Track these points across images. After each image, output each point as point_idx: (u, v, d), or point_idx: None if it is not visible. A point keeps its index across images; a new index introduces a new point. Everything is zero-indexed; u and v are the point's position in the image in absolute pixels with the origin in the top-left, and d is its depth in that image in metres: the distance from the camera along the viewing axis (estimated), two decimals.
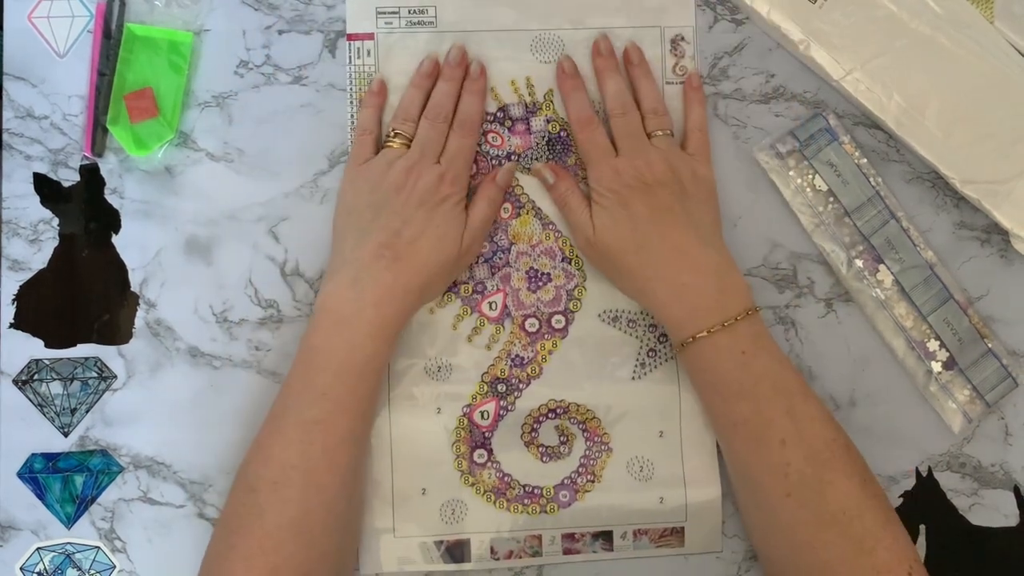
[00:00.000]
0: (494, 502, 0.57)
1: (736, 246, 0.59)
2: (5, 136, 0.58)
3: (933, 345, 0.58)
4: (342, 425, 0.50)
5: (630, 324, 0.59)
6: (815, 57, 0.58)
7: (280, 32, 0.59)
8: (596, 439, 0.58)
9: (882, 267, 0.59)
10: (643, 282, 0.54)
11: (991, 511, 0.59)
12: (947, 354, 0.58)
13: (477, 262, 0.58)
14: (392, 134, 0.56)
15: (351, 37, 0.59)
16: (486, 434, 0.58)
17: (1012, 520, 0.60)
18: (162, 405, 0.58)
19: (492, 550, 0.57)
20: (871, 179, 0.59)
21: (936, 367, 0.58)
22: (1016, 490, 0.60)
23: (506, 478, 0.58)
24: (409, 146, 0.56)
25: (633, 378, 0.59)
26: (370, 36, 0.59)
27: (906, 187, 0.60)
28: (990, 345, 0.59)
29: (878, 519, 0.50)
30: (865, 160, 0.59)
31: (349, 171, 0.57)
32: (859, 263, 0.59)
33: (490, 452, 0.58)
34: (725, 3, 0.61)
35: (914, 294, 0.59)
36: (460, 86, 0.58)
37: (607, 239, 0.54)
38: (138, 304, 0.58)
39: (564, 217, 0.58)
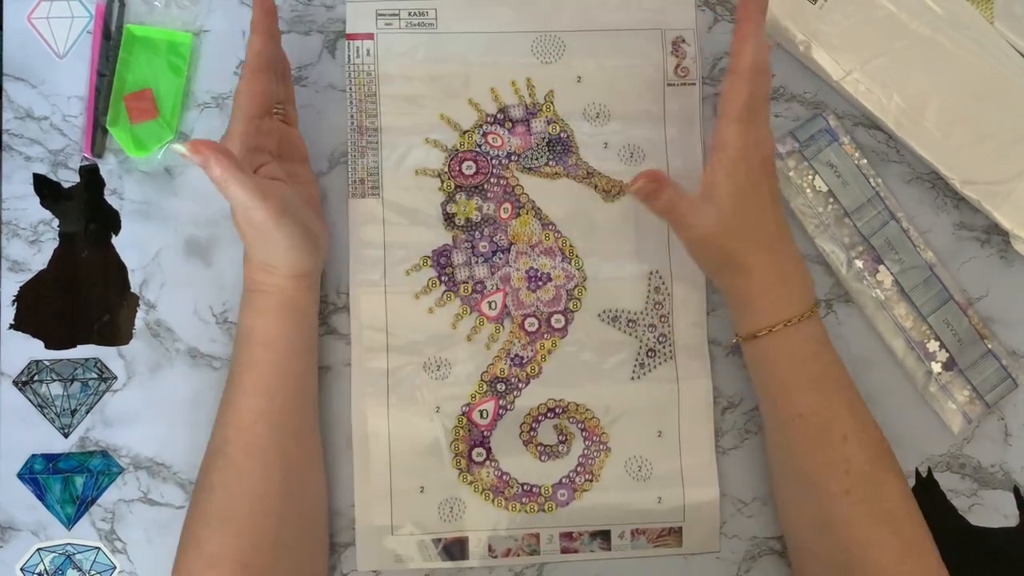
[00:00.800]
0: (492, 500, 0.57)
1: None
2: (5, 137, 0.58)
3: (933, 346, 0.58)
4: (246, 404, 0.50)
5: (629, 324, 0.59)
6: (815, 58, 0.58)
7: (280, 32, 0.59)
8: (595, 438, 0.58)
9: (882, 268, 0.59)
10: (747, 267, 0.51)
11: (991, 512, 0.59)
12: (947, 355, 0.58)
13: (477, 261, 0.58)
14: None
15: (350, 37, 0.59)
16: (485, 433, 0.58)
17: (1012, 521, 0.60)
18: (162, 406, 0.58)
19: (490, 548, 0.57)
20: (871, 180, 0.59)
21: (936, 368, 0.58)
22: (1016, 491, 0.60)
23: (504, 477, 0.58)
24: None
25: (632, 378, 0.59)
26: (370, 36, 0.59)
27: (906, 188, 0.60)
28: (990, 346, 0.59)
29: (922, 522, 0.50)
30: (865, 161, 0.59)
31: None
32: (859, 264, 0.59)
33: (489, 451, 0.58)
34: (725, 3, 0.61)
35: (914, 295, 0.59)
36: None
37: (729, 220, 0.50)
38: (138, 305, 0.58)
39: (671, 218, 0.52)
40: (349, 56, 0.59)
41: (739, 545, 0.59)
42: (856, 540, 0.49)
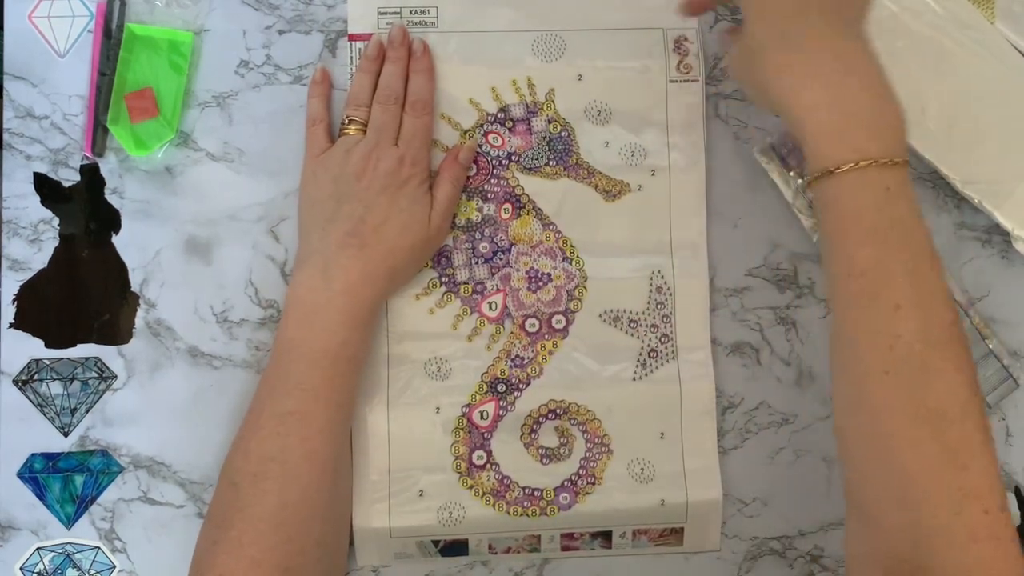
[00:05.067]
0: (493, 504, 0.57)
1: (736, 246, 0.59)
2: (5, 136, 0.58)
3: None
4: (318, 415, 0.50)
5: (631, 324, 0.59)
6: None
7: (280, 32, 0.59)
8: (596, 440, 0.58)
9: None
10: (795, 103, 0.45)
11: None
12: None
13: (477, 262, 0.58)
14: (347, 121, 0.56)
15: (352, 37, 0.59)
16: (485, 435, 0.58)
17: (1013, 521, 0.59)
18: (162, 405, 0.58)
19: (490, 547, 0.57)
20: None
21: None
22: (1017, 491, 0.59)
23: (505, 480, 0.57)
24: (365, 132, 0.56)
25: (634, 379, 0.58)
26: (370, 36, 0.59)
27: None
28: (991, 346, 0.59)
29: (979, 433, 0.42)
30: None
31: (308, 163, 0.56)
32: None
33: (489, 454, 0.57)
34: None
35: None
36: (406, 66, 0.58)
37: (771, 44, 0.47)
38: (138, 304, 0.58)
39: None
40: (351, 57, 0.59)
41: (739, 545, 0.58)
42: (887, 435, 0.43)
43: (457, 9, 0.59)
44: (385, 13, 0.59)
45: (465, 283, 0.58)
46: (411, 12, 0.59)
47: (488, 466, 0.57)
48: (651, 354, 0.59)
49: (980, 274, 0.60)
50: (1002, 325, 0.60)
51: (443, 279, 0.58)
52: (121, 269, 0.58)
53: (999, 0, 0.58)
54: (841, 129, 0.45)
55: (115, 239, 0.58)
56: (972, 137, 0.58)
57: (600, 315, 0.59)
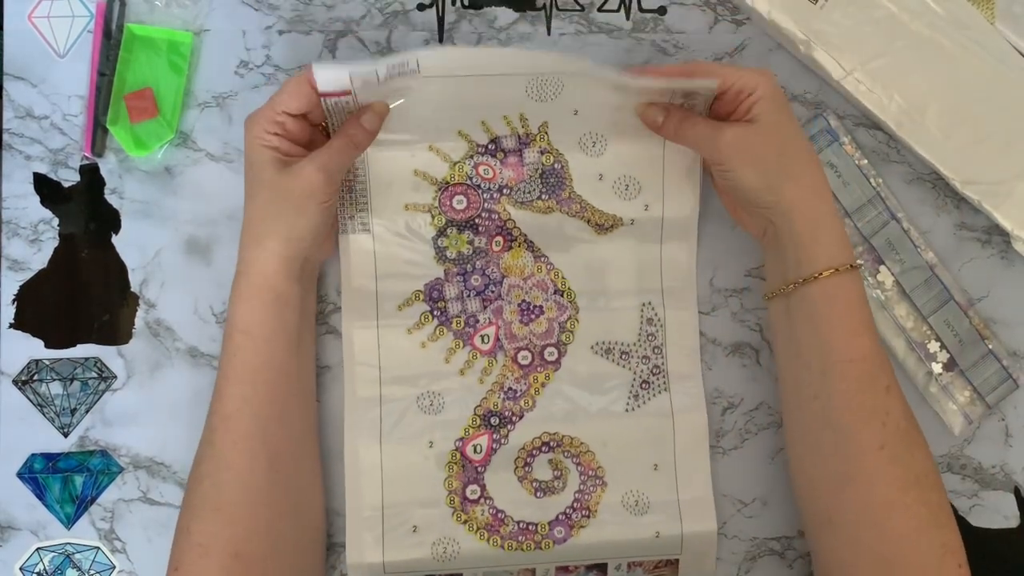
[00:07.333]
0: (487, 540, 0.56)
1: (736, 246, 0.59)
2: (5, 136, 0.58)
3: (934, 346, 0.58)
4: (231, 392, 0.50)
5: (623, 356, 0.58)
6: (816, 58, 0.58)
7: (280, 32, 0.59)
8: (590, 473, 0.57)
9: (883, 268, 0.59)
10: (784, 202, 0.52)
11: (991, 513, 0.59)
12: (947, 355, 0.58)
13: (469, 295, 0.57)
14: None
15: (324, 95, 0.49)
16: (479, 469, 0.57)
17: (1012, 522, 0.59)
18: (162, 405, 0.58)
19: None
20: (872, 180, 0.59)
21: (937, 368, 0.58)
22: (1016, 491, 0.59)
23: (499, 515, 0.57)
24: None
25: (627, 410, 0.58)
26: (346, 93, 0.50)
27: (907, 188, 0.60)
28: (991, 346, 0.59)
29: (945, 495, 0.50)
30: (866, 161, 0.59)
31: None
32: (860, 264, 0.59)
33: (483, 488, 0.57)
34: (725, 3, 0.61)
35: (915, 295, 0.59)
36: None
37: (761, 145, 0.52)
38: (138, 304, 0.58)
39: (695, 144, 0.54)
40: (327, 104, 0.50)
41: (739, 545, 0.58)
42: (881, 502, 0.48)
43: (440, 59, 0.51)
44: (358, 76, 0.49)
45: (457, 316, 0.58)
46: (388, 68, 0.49)
47: (482, 500, 0.57)
48: (643, 385, 0.58)
49: (980, 274, 0.60)
50: (1002, 325, 0.60)
51: (435, 312, 0.57)
52: (121, 269, 0.58)
53: (999, 0, 0.58)
54: (830, 232, 0.51)
55: (115, 239, 0.58)
56: (972, 137, 0.58)
57: (592, 347, 0.58)
